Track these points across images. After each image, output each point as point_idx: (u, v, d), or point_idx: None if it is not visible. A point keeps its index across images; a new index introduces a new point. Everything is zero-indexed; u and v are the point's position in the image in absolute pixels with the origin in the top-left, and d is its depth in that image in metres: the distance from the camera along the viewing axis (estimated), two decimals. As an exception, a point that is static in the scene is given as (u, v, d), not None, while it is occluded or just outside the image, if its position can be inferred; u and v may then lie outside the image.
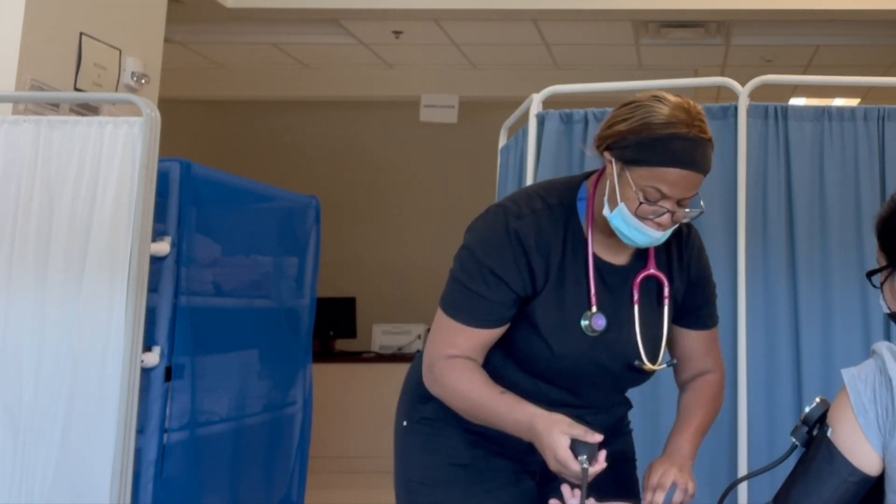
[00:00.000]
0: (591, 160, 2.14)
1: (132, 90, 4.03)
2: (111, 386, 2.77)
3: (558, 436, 1.66)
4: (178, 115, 5.57)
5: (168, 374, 2.91)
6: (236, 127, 8.09)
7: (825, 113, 3.05)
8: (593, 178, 1.89)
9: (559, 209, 1.86)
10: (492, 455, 1.91)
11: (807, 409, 1.59)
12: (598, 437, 1.66)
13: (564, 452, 1.65)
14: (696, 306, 1.96)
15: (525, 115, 3.32)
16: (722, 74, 5.66)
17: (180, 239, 2.95)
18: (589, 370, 1.86)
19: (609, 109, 1.87)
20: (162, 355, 2.89)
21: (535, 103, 3.24)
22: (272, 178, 4.37)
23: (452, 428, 1.91)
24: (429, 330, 1.98)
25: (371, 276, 7.64)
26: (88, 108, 3.77)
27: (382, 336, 6.71)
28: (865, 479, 1.52)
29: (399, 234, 7.84)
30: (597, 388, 1.91)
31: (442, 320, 1.85)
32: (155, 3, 4.36)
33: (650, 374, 1.90)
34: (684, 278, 1.94)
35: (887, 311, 1.62)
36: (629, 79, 4.30)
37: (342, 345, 6.90)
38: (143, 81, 4.11)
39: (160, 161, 2.89)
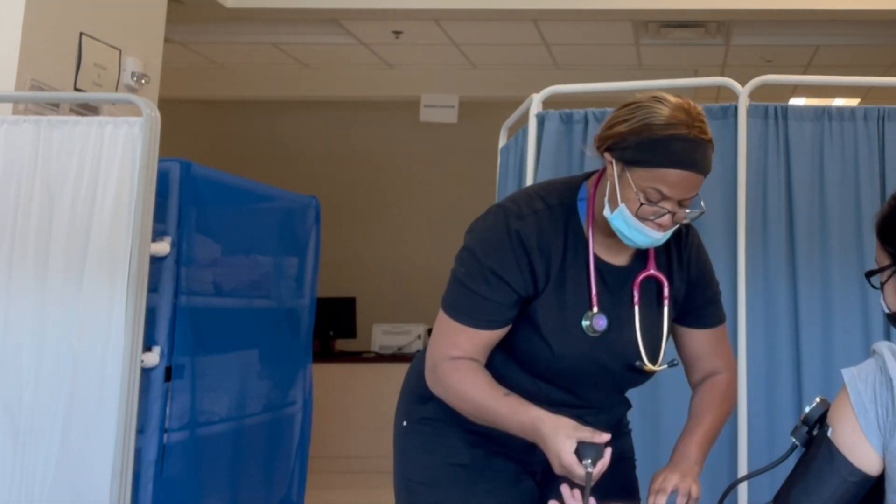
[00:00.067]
0: (592, 160, 2.14)
1: (132, 90, 4.03)
2: (111, 386, 2.77)
3: (563, 440, 1.66)
4: (178, 115, 5.57)
5: (168, 374, 2.91)
6: (236, 127, 8.09)
7: (825, 113, 3.05)
8: (594, 178, 1.89)
9: (559, 210, 1.86)
10: (492, 455, 1.91)
11: (807, 409, 1.59)
12: (605, 437, 1.66)
13: (569, 457, 1.65)
14: (699, 305, 1.96)
15: (525, 115, 3.32)
16: (722, 74, 5.66)
17: (180, 239, 2.95)
18: (589, 370, 1.86)
19: (609, 109, 1.87)
20: (162, 355, 2.89)
21: (535, 103, 3.24)
22: (272, 178, 4.37)
23: (452, 428, 1.91)
24: (429, 330, 1.99)
25: (371, 276, 7.64)
26: (88, 108, 3.77)
27: (382, 336, 6.71)
28: (865, 478, 1.52)
29: (399, 234, 7.84)
30: (597, 388, 1.91)
31: (444, 321, 1.85)
32: (155, 3, 4.36)
33: (650, 374, 1.90)
34: (684, 278, 1.94)
35: (888, 312, 1.62)
36: (629, 79, 4.31)
37: (342, 345, 6.90)
38: (143, 81, 4.11)
39: (160, 161, 2.89)
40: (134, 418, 2.77)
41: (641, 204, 1.73)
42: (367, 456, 5.95)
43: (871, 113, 3.04)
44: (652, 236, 1.77)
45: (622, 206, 1.75)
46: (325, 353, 6.53)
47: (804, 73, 6.43)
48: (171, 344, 2.92)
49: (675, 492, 1.78)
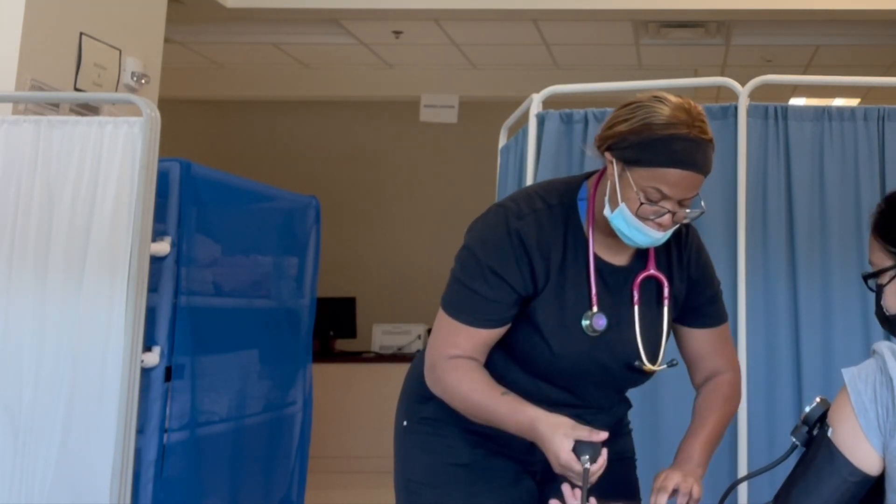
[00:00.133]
0: (591, 160, 2.14)
1: (132, 90, 4.02)
2: (111, 386, 2.77)
3: (561, 438, 1.66)
4: (178, 115, 5.57)
5: (168, 374, 2.91)
6: (236, 127, 8.09)
7: (825, 113, 3.05)
8: (594, 178, 1.89)
9: (559, 209, 1.86)
10: (492, 455, 1.91)
11: (807, 409, 1.59)
12: (602, 435, 1.67)
13: (567, 455, 1.65)
14: (700, 304, 1.96)
15: (525, 115, 3.32)
16: (722, 74, 5.66)
17: (180, 239, 2.95)
18: (589, 370, 1.86)
19: (609, 109, 1.87)
20: (162, 355, 2.89)
21: (535, 103, 3.24)
22: (272, 178, 4.38)
23: (453, 428, 1.91)
24: (429, 330, 1.99)
25: (371, 276, 7.64)
26: (88, 108, 3.77)
27: (382, 336, 6.71)
28: (866, 478, 1.52)
29: (399, 234, 7.84)
30: (597, 388, 1.91)
31: (443, 320, 1.85)
32: (155, 3, 4.36)
33: (650, 374, 1.90)
34: (684, 277, 1.94)
35: (888, 314, 1.61)
36: (629, 79, 4.31)
37: (342, 345, 6.90)
38: (143, 81, 4.11)
39: (160, 161, 2.89)
40: (134, 418, 2.77)
41: (642, 203, 1.73)
42: (367, 456, 5.95)
43: (871, 113, 3.04)
44: (652, 236, 1.77)
45: (622, 205, 1.75)
46: (325, 353, 6.53)
47: (804, 73, 6.42)
48: (171, 344, 2.92)
49: (676, 491, 1.78)
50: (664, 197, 1.73)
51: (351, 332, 6.95)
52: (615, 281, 1.87)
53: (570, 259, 1.84)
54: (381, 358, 6.57)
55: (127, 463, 2.75)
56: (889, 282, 1.60)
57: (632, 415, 2.09)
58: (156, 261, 2.90)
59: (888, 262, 1.60)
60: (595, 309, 1.83)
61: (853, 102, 7.00)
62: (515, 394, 1.79)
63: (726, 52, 6.32)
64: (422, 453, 1.95)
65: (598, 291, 1.84)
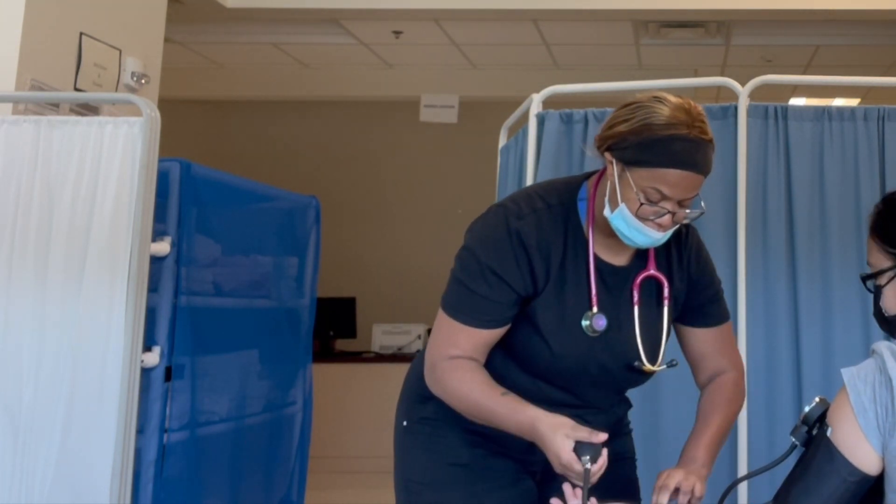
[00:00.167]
0: (591, 160, 2.14)
1: (132, 90, 4.03)
2: (111, 386, 2.77)
3: (562, 439, 1.66)
4: (178, 115, 5.57)
5: (168, 374, 2.91)
6: (236, 127, 8.09)
7: (825, 113, 3.05)
8: (594, 178, 1.89)
9: (559, 209, 1.86)
10: (492, 455, 1.91)
11: (806, 409, 1.59)
12: (602, 437, 1.66)
13: (568, 455, 1.65)
14: (701, 304, 1.96)
15: (525, 115, 3.32)
16: (722, 74, 5.66)
17: (180, 239, 2.95)
18: (589, 370, 1.86)
19: (609, 109, 1.87)
20: (162, 355, 2.89)
21: (535, 103, 3.24)
22: (272, 178, 4.37)
23: (452, 428, 1.91)
24: (429, 330, 1.99)
25: (371, 276, 7.64)
26: (88, 108, 3.77)
27: (382, 336, 6.71)
28: (865, 478, 1.52)
29: (399, 234, 7.84)
30: (596, 388, 1.91)
31: (443, 320, 1.85)
32: (155, 3, 4.36)
33: (650, 374, 1.90)
34: (684, 277, 1.94)
35: (888, 315, 1.61)
36: (629, 79, 4.30)
37: (342, 345, 6.90)
38: (143, 81, 4.11)
39: (160, 161, 2.89)
40: (134, 418, 2.77)
41: (641, 204, 1.73)
42: (367, 456, 5.95)
43: (871, 113, 3.04)
44: (652, 236, 1.77)
45: (622, 205, 1.75)
46: (325, 353, 6.53)
47: (804, 73, 6.42)
48: (171, 344, 2.92)
49: (679, 490, 1.78)
50: (664, 197, 1.73)
51: (351, 332, 6.95)
52: (615, 281, 1.87)
53: (569, 259, 1.84)
54: (381, 358, 6.57)
55: (127, 463, 2.75)
56: (888, 283, 1.60)
57: (632, 415, 2.09)
58: (156, 261, 2.90)
59: (887, 263, 1.60)
60: (595, 309, 1.83)
61: (853, 102, 7.00)
62: (515, 394, 1.79)
63: (726, 52, 6.32)
64: (421, 453, 1.95)
65: (598, 292, 1.84)
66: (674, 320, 1.96)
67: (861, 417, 1.50)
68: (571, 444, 1.66)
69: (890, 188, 2.86)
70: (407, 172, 7.92)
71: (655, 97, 1.75)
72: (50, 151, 2.90)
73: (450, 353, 1.83)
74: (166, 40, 4.53)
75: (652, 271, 1.89)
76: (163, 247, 2.90)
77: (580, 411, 1.86)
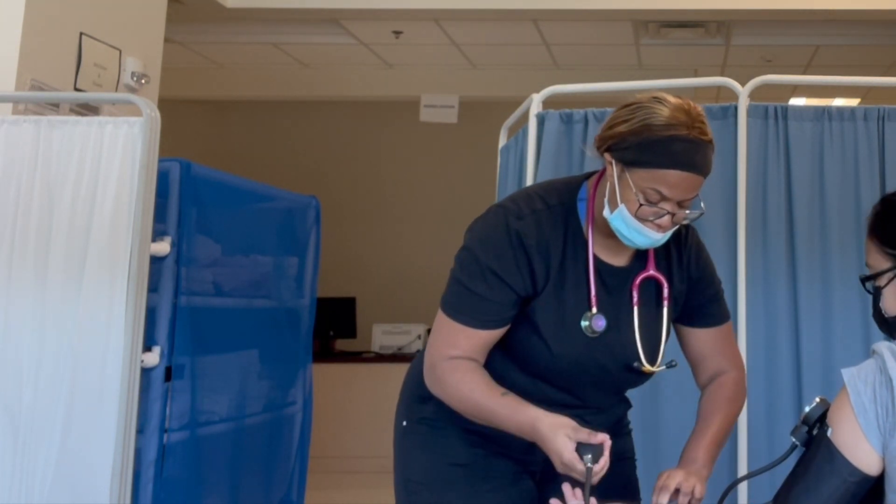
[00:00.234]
0: (591, 160, 2.14)
1: (132, 90, 4.03)
2: (111, 386, 2.77)
3: (564, 439, 1.66)
4: (178, 115, 5.57)
5: (168, 374, 2.91)
6: (236, 127, 8.09)
7: (825, 113, 3.05)
8: (594, 178, 1.89)
9: (559, 209, 1.86)
10: (492, 455, 1.91)
11: (807, 409, 1.59)
12: (602, 438, 1.67)
13: (570, 455, 1.65)
14: (701, 304, 1.96)
15: (525, 115, 3.32)
16: (722, 74, 5.66)
17: (180, 239, 2.95)
18: (588, 371, 1.86)
19: (609, 109, 1.87)
20: (162, 355, 2.89)
21: (535, 103, 3.24)
22: (272, 178, 4.37)
23: (452, 428, 1.91)
24: (429, 330, 1.98)
25: (371, 276, 7.64)
26: (88, 108, 3.77)
27: (382, 336, 6.71)
28: (865, 478, 1.52)
29: (399, 234, 7.84)
30: (596, 388, 1.91)
31: (443, 321, 1.85)
32: (155, 3, 4.36)
33: (649, 375, 1.90)
34: (684, 278, 1.94)
35: (888, 317, 1.61)
36: (629, 79, 4.30)
37: (342, 345, 6.90)
38: (143, 81, 4.11)
39: (160, 161, 2.89)
40: (134, 418, 2.77)
41: (641, 205, 1.73)
42: (367, 456, 5.95)
43: (871, 113, 3.04)
44: (651, 237, 1.77)
45: (622, 206, 1.75)
46: (325, 353, 6.53)
47: (804, 73, 6.42)
48: (171, 344, 2.92)
49: (679, 491, 1.78)
50: (663, 198, 1.72)
51: (351, 332, 6.95)
52: (614, 282, 1.87)
53: (569, 260, 1.84)
54: (381, 358, 6.57)
55: (127, 463, 2.75)
56: (888, 283, 1.60)
57: (632, 415, 2.09)
58: (156, 261, 2.90)
59: (886, 264, 1.60)
60: (594, 310, 1.83)
61: (853, 102, 7.00)
62: (515, 394, 1.79)
63: (726, 52, 6.32)
64: (421, 453, 1.95)
65: (598, 292, 1.84)
66: (674, 321, 1.96)
67: (861, 418, 1.50)
68: (573, 445, 1.66)
69: (890, 188, 2.86)
70: (407, 172, 7.92)
71: (655, 98, 1.75)
72: (50, 151, 2.90)
73: (449, 353, 1.83)
74: (166, 40, 4.53)
75: (651, 272, 1.89)
76: (163, 247, 2.90)
77: (580, 411, 1.86)
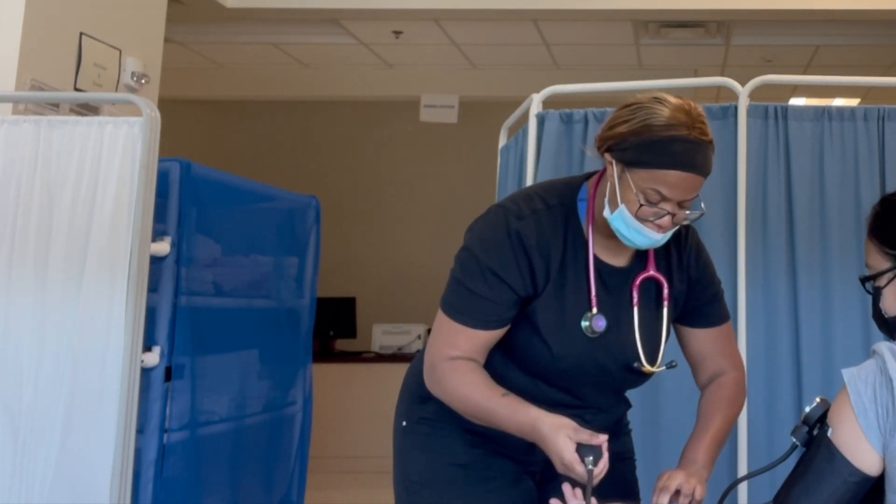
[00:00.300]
0: (591, 160, 2.14)
1: (132, 90, 4.02)
2: (111, 386, 2.77)
3: (565, 439, 1.66)
4: (178, 115, 5.57)
5: (168, 374, 2.91)
6: (236, 127, 8.09)
7: (825, 113, 3.05)
8: (594, 178, 1.89)
9: (559, 210, 1.86)
10: (492, 455, 1.91)
11: (807, 409, 1.59)
12: (603, 439, 1.67)
13: (571, 455, 1.65)
14: (701, 304, 1.96)
15: (525, 115, 3.32)
16: (722, 74, 5.65)
17: (180, 239, 2.95)
18: (588, 371, 1.86)
19: (609, 109, 1.87)
20: (162, 355, 2.89)
21: (535, 103, 3.24)
22: (272, 178, 4.37)
23: (452, 428, 1.91)
24: (429, 330, 1.98)
25: (371, 276, 7.64)
26: (88, 108, 3.77)
27: (382, 336, 6.71)
28: (865, 479, 1.52)
29: (399, 234, 7.84)
30: (596, 388, 1.91)
31: (442, 321, 1.85)
32: (155, 3, 4.36)
33: (649, 375, 1.90)
34: (684, 278, 1.94)
35: (888, 317, 1.61)
36: (629, 79, 4.30)
37: (342, 345, 6.90)
38: (143, 81, 4.11)
39: (160, 161, 2.89)
40: (134, 418, 2.77)
41: (641, 205, 1.73)
42: (367, 456, 5.95)
43: (871, 113, 3.04)
44: (651, 237, 1.77)
45: (622, 206, 1.75)
46: (325, 353, 6.53)
47: (804, 73, 6.42)
48: (171, 344, 2.92)
49: (679, 492, 1.78)
50: (664, 198, 1.72)
51: (351, 332, 6.95)
52: (615, 282, 1.87)
53: (569, 260, 1.84)
54: (381, 358, 6.57)
55: (127, 463, 2.75)
56: (888, 284, 1.60)
57: (632, 415, 2.09)
58: (156, 261, 2.90)
59: (886, 265, 1.60)
60: (594, 310, 1.83)
61: (853, 102, 7.00)
62: (515, 395, 1.79)
63: (726, 52, 6.32)
64: (421, 453, 1.95)
65: (598, 293, 1.84)
66: (674, 321, 1.96)
67: (862, 418, 1.50)
68: (574, 445, 1.66)
69: (890, 188, 2.86)
70: (407, 172, 7.92)
71: (655, 98, 1.75)
72: (50, 151, 2.90)
73: (449, 353, 1.82)
74: (166, 40, 4.53)
75: (651, 272, 1.89)
76: (163, 247, 2.90)
77: (579, 412, 1.86)
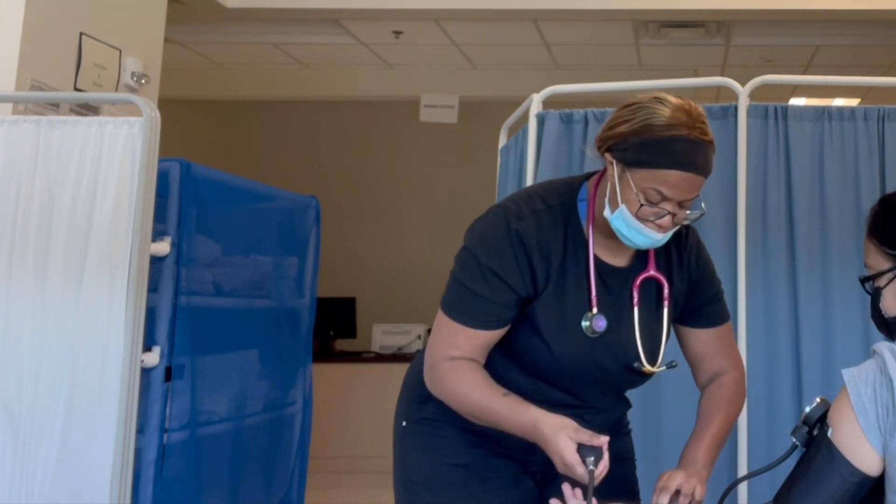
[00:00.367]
0: (591, 160, 2.14)
1: (132, 90, 4.03)
2: (111, 386, 2.77)
3: (565, 440, 1.66)
4: (178, 115, 5.58)
5: (168, 374, 2.91)
6: (236, 127, 8.09)
7: (825, 113, 3.05)
8: (594, 178, 1.89)
9: (559, 210, 1.86)
10: (492, 455, 1.91)
11: (807, 409, 1.59)
12: (604, 440, 1.67)
13: (572, 456, 1.65)
14: (701, 304, 1.96)
15: (525, 115, 3.32)
16: (722, 74, 5.66)
17: (180, 239, 2.95)
18: (588, 371, 1.86)
19: (609, 110, 1.87)
20: (162, 355, 2.89)
21: (535, 103, 3.24)
22: (272, 178, 4.37)
23: (452, 428, 1.91)
24: (429, 330, 1.98)
25: (371, 276, 7.64)
26: (88, 108, 3.77)
27: (382, 336, 6.71)
28: (865, 479, 1.52)
29: (399, 234, 7.84)
30: (596, 388, 1.91)
31: (443, 321, 1.85)
32: (155, 3, 4.36)
33: (649, 375, 1.90)
34: (685, 278, 1.94)
35: (888, 317, 1.61)
36: (629, 79, 4.31)
37: (342, 345, 6.90)
38: (143, 81, 4.11)
39: (160, 161, 2.89)
40: (134, 418, 2.77)
41: (641, 205, 1.73)
42: (367, 456, 5.95)
43: (871, 113, 3.04)
44: (652, 237, 1.77)
45: (622, 206, 1.75)
46: (325, 353, 6.53)
47: (804, 73, 6.42)
48: (171, 344, 2.92)
49: (679, 492, 1.78)
50: (664, 198, 1.72)
51: (351, 332, 6.95)
52: (615, 282, 1.87)
53: (569, 260, 1.84)
54: (381, 358, 6.57)
55: (127, 463, 2.75)
56: (887, 284, 1.60)
57: (632, 415, 2.09)
58: (156, 261, 2.90)
59: (885, 265, 1.60)
60: (595, 310, 1.83)
61: (853, 102, 7.00)
62: (516, 395, 1.79)
63: (726, 52, 6.32)
64: (421, 453, 1.95)
65: (598, 293, 1.84)
66: (674, 321, 1.96)
67: (862, 418, 1.50)
68: (575, 446, 1.66)
69: (890, 188, 2.86)
70: (407, 172, 7.92)
71: (656, 98, 1.75)
72: (50, 151, 2.90)
73: (449, 353, 1.82)
74: (166, 40, 4.53)
75: (652, 272, 1.89)
76: (163, 247, 2.90)
77: (580, 412, 1.86)
